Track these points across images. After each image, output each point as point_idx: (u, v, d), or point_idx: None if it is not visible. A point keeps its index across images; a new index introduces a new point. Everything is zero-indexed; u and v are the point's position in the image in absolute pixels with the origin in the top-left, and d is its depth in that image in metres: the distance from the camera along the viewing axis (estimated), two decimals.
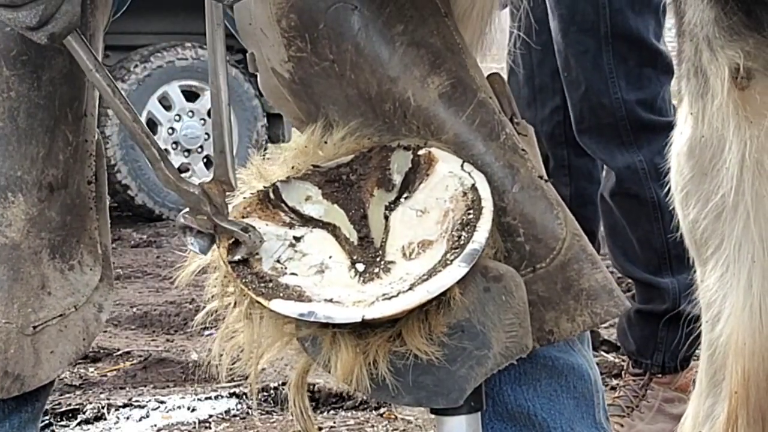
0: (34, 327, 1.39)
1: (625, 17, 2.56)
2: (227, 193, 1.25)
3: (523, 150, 1.34)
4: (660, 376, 2.72)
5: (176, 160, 7.20)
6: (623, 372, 2.85)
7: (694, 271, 1.60)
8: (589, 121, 2.61)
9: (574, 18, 2.54)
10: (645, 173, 2.59)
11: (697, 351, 3.01)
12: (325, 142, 1.33)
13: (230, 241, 1.23)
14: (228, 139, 1.24)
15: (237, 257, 1.22)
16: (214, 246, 1.25)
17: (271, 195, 1.29)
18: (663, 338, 2.69)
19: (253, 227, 1.23)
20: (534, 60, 2.68)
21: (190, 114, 7.14)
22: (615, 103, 2.57)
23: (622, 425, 2.68)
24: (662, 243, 2.62)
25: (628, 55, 2.57)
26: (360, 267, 1.23)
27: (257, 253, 1.23)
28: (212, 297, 1.27)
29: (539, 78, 2.77)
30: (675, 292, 2.64)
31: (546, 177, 1.36)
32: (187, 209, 1.26)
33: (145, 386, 3.19)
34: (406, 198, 1.28)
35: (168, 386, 3.18)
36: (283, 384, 2.87)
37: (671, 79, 2.64)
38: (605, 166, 2.72)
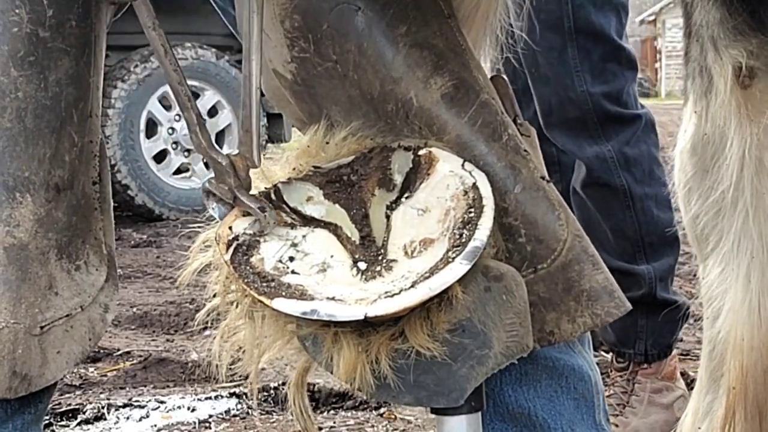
0: (42, 327, 1.40)
1: (587, 12, 2.61)
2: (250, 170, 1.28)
3: (525, 151, 1.34)
4: (645, 366, 2.74)
5: (176, 160, 7.21)
6: (609, 368, 2.86)
7: (697, 266, 1.61)
8: (557, 116, 2.65)
9: (539, 15, 2.57)
10: (614, 162, 2.64)
11: (680, 337, 3.04)
12: (327, 143, 1.33)
13: (229, 237, 1.24)
14: (255, 120, 1.26)
15: (251, 231, 1.24)
16: (216, 245, 1.25)
17: (273, 196, 1.29)
18: (643, 326, 2.72)
19: (271, 207, 1.25)
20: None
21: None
22: (581, 96, 2.62)
23: (617, 425, 2.69)
24: (635, 231, 2.66)
25: (592, 49, 2.62)
26: (362, 265, 1.23)
27: (259, 254, 1.23)
28: (214, 295, 1.27)
29: (521, 79, 2.79)
30: (651, 277, 2.67)
31: (548, 178, 1.36)
32: (213, 176, 1.28)
33: (145, 386, 3.19)
34: (407, 197, 1.28)
35: (168, 386, 3.18)
36: (283, 384, 2.87)
37: (636, 74, 2.70)
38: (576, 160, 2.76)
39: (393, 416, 2.80)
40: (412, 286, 1.17)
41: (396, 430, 2.73)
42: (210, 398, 2.99)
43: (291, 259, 1.23)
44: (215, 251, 1.25)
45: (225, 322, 1.25)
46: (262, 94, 1.45)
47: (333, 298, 1.17)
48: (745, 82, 1.44)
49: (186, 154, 7.21)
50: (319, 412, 2.85)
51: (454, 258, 1.18)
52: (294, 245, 1.24)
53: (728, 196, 1.48)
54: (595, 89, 2.62)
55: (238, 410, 2.91)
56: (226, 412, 2.90)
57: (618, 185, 2.64)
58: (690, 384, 2.89)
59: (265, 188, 1.29)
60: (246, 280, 1.20)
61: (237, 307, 1.24)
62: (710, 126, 1.49)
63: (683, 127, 1.59)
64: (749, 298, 1.48)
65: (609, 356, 3.09)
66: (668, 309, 2.66)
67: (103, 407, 2.92)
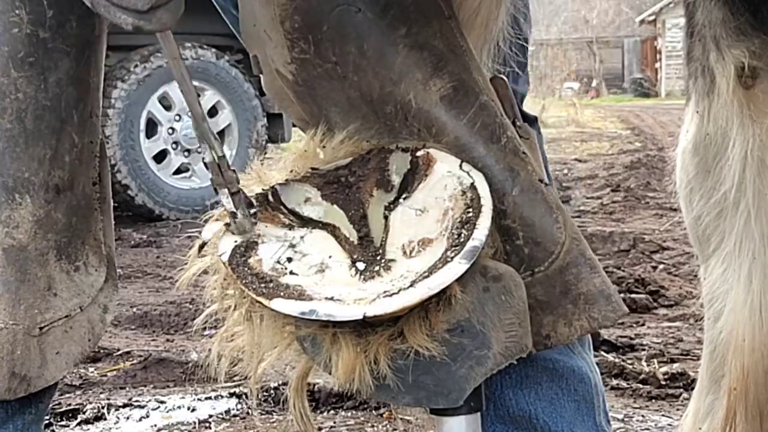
0: (41, 328, 1.40)
1: (524, 18, 2.63)
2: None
3: (523, 153, 1.34)
4: None
5: (176, 160, 7.21)
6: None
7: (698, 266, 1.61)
8: None
9: None
10: None
11: (680, 337, 3.02)
12: (324, 147, 1.32)
13: (222, 236, 1.23)
14: (191, 98, 1.26)
15: (215, 231, 1.23)
16: (213, 249, 1.25)
17: (270, 198, 1.29)
18: None
19: (247, 213, 1.24)
20: None
21: (191, 114, 7.13)
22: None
23: None
24: None
25: (517, 53, 2.64)
26: (360, 266, 1.22)
27: (258, 255, 1.22)
28: (212, 299, 1.26)
29: None
30: None
31: (547, 180, 1.36)
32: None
33: (145, 386, 3.19)
34: (405, 198, 1.28)
35: (168, 386, 3.18)
36: (283, 384, 2.87)
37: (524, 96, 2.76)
38: None
39: (393, 416, 2.79)
40: (410, 286, 1.16)
41: (396, 430, 2.73)
42: (210, 398, 2.99)
43: (289, 259, 1.23)
44: (212, 256, 1.25)
45: (224, 328, 1.25)
46: (263, 94, 1.44)
47: (332, 298, 1.17)
48: (747, 82, 1.44)
49: (186, 154, 7.21)
50: (319, 412, 2.84)
51: (452, 257, 1.18)
52: (292, 246, 1.24)
53: (730, 196, 1.48)
54: (516, 87, 2.66)
55: (238, 410, 2.90)
56: (226, 412, 2.89)
57: None
58: (690, 384, 2.88)
59: (263, 190, 1.29)
60: (244, 282, 1.20)
61: (235, 311, 1.24)
62: (712, 126, 1.48)
63: (685, 127, 1.59)
64: (751, 299, 1.48)
65: (609, 357, 3.09)
66: None
67: (103, 407, 2.92)
